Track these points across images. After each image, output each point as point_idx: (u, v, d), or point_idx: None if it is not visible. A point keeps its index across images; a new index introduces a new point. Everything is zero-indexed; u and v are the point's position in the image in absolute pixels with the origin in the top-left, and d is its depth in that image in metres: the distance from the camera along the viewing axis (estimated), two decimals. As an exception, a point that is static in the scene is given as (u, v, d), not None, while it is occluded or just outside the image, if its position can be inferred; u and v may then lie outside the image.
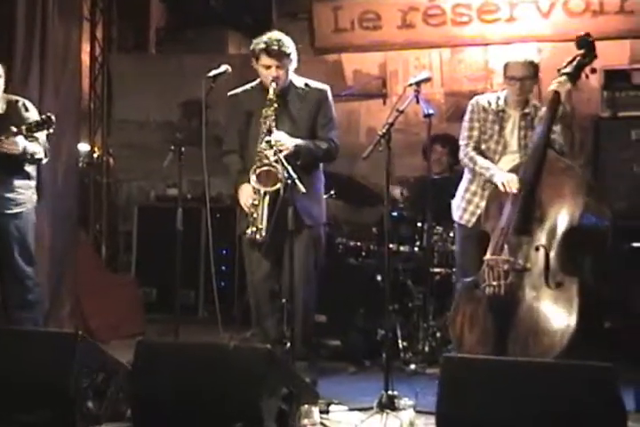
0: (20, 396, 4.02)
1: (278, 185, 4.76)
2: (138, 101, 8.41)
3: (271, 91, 4.93)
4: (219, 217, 5.88)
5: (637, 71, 6.58)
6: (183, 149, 4.92)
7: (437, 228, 6.04)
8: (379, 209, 6.43)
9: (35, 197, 5.47)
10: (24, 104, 5.46)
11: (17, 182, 5.37)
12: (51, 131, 5.21)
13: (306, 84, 5.17)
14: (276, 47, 4.94)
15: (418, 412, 4.21)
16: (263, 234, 4.88)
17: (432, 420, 3.66)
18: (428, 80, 4.94)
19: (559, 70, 4.91)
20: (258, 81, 5.13)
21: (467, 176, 5.27)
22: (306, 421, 3.94)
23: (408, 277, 6.12)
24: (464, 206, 5.23)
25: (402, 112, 4.59)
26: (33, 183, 5.47)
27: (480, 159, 5.08)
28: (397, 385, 4.40)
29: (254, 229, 4.88)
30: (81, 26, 7.49)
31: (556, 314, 4.39)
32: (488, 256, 4.67)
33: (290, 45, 5.02)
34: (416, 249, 6.24)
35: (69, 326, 6.43)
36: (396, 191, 6.59)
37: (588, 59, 4.98)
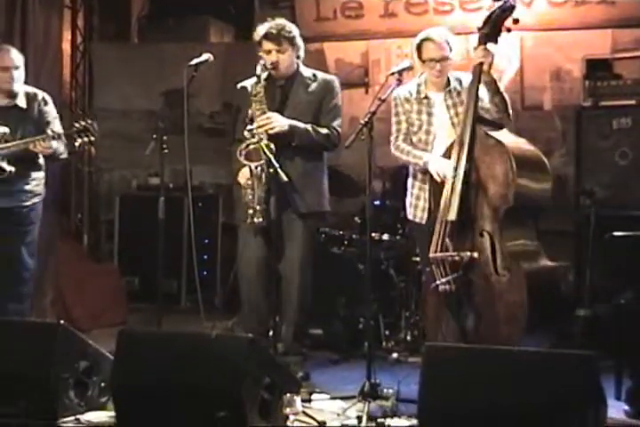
0: (1, 387, 4.01)
1: (263, 160, 4.75)
2: (119, 90, 8.38)
3: (258, 68, 4.93)
4: (201, 206, 5.87)
5: (619, 61, 6.57)
6: (165, 137, 4.90)
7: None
8: (361, 198, 6.43)
9: (44, 188, 5.52)
10: (43, 98, 5.48)
11: (33, 174, 5.42)
12: (92, 139, 5.24)
13: (314, 75, 5.20)
14: (275, 31, 4.98)
15: (400, 400, 4.22)
16: (260, 218, 4.84)
17: (414, 408, 3.67)
18: (410, 69, 4.90)
19: (479, 29, 4.72)
20: (266, 73, 5.08)
21: (410, 171, 5.15)
22: (288, 410, 3.96)
23: (390, 265, 6.13)
24: (414, 203, 5.10)
25: (384, 101, 4.57)
26: (43, 174, 5.51)
27: (410, 149, 4.99)
28: (380, 374, 4.42)
29: (251, 211, 4.85)
30: (62, 14, 7.46)
31: (510, 302, 4.33)
32: (431, 254, 4.57)
33: (292, 31, 5.06)
34: (398, 238, 6.26)
35: (51, 316, 6.43)
36: (378, 185, 6.60)
37: (507, 10, 4.68)
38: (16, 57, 5.35)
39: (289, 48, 5.04)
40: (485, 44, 4.67)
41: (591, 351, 3.43)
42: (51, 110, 5.49)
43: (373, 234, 5.88)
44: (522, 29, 6.35)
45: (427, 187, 4.90)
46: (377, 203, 6.41)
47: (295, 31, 5.09)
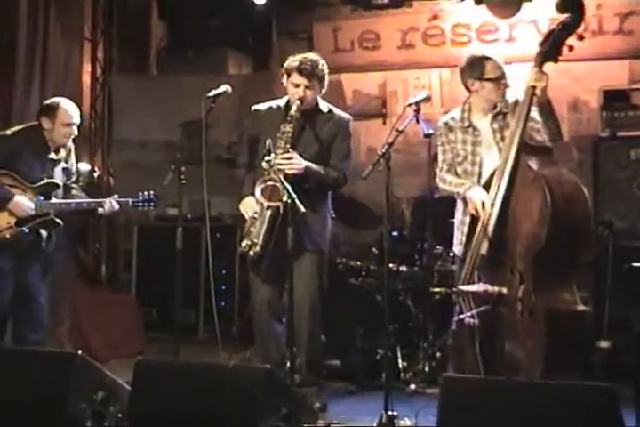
0: (18, 416, 4.00)
1: (281, 202, 4.75)
2: (138, 121, 8.43)
3: (294, 108, 4.95)
4: (219, 236, 5.88)
5: (636, 91, 6.59)
6: (183, 168, 4.93)
7: (437, 247, 6.03)
8: (378, 229, 6.43)
9: None
10: (72, 149, 5.62)
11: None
12: (151, 208, 5.56)
13: (330, 110, 5.20)
14: (309, 67, 4.98)
15: (418, 432, 4.21)
16: (257, 249, 4.87)
17: (432, 440, 3.65)
18: (427, 100, 4.90)
19: (539, 45, 4.44)
20: (285, 100, 5.13)
21: (458, 206, 5.00)
22: (305, 441, 3.94)
23: (408, 296, 6.12)
24: (460, 237, 4.92)
25: (401, 132, 4.56)
26: None
27: (452, 178, 4.86)
28: (397, 405, 4.40)
29: (249, 242, 4.88)
30: (82, 46, 7.55)
31: (529, 346, 4.19)
32: (459, 286, 4.49)
33: (323, 69, 5.05)
34: (416, 269, 6.25)
35: (69, 345, 6.43)
36: (405, 207, 6.62)
37: (572, 24, 4.36)
38: (77, 113, 5.46)
39: (317, 85, 5.05)
40: (542, 64, 4.43)
41: (611, 383, 3.40)
42: (75, 162, 5.65)
43: (391, 265, 5.88)
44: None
45: (467, 220, 4.72)
46: (395, 233, 6.40)
47: (326, 70, 5.08)
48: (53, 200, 5.36)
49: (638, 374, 4.45)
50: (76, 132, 5.46)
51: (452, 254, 5.38)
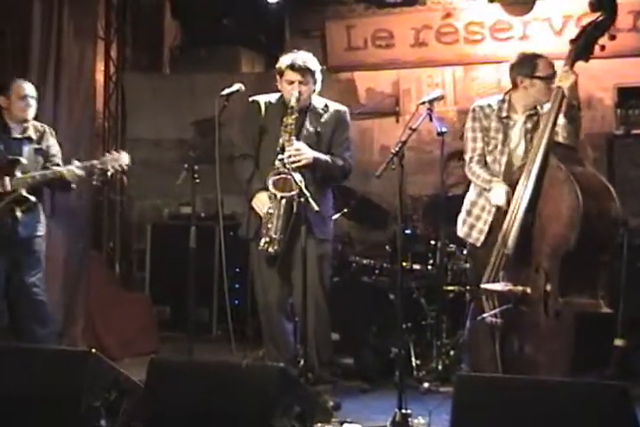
0: (33, 414, 4.02)
1: (294, 191, 4.79)
2: (151, 120, 8.46)
3: (293, 100, 4.99)
4: (232, 235, 5.87)
5: (651, 89, 6.59)
6: (196, 167, 4.94)
7: (451, 246, 6.03)
8: (391, 227, 6.43)
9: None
10: (50, 131, 5.66)
11: (40, 206, 5.54)
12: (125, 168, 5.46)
13: (325, 105, 5.24)
14: (301, 63, 5.04)
15: (431, 431, 4.21)
16: (276, 247, 4.90)
17: (446, 439, 3.66)
18: (440, 98, 4.90)
19: (571, 42, 4.45)
20: (279, 95, 5.17)
21: (474, 188, 4.98)
22: (319, 440, 3.95)
23: (421, 295, 6.12)
24: (471, 222, 4.93)
25: (415, 130, 4.55)
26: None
27: (481, 172, 4.82)
28: (411, 403, 4.40)
29: (267, 240, 4.91)
30: (95, 45, 7.55)
31: (553, 348, 4.20)
32: (483, 285, 4.48)
33: (315, 64, 5.11)
34: (429, 267, 6.25)
35: (83, 344, 6.45)
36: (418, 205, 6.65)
37: (605, 23, 4.37)
38: (31, 88, 5.54)
39: (310, 81, 5.10)
40: (574, 62, 4.43)
41: (625, 382, 3.40)
42: (55, 144, 5.65)
43: (404, 263, 5.88)
44: (553, 58, 6.36)
45: (489, 207, 4.75)
46: (408, 232, 6.40)
47: (317, 66, 5.14)
48: (18, 175, 5.33)
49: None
50: (32, 105, 5.49)
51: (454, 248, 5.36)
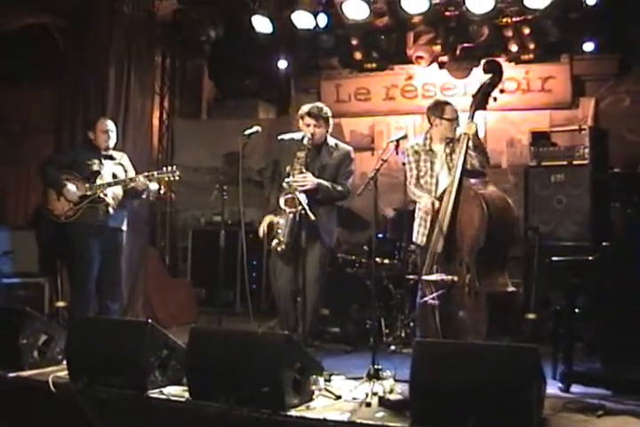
0: (108, 366, 4.03)
1: (299, 208, 4.78)
2: (192, 153, 8.44)
3: (305, 140, 4.97)
4: (251, 237, 5.90)
5: (555, 133, 6.65)
6: (225, 187, 4.97)
7: (411, 246, 6.02)
8: (368, 232, 6.43)
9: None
10: (126, 156, 5.72)
11: (125, 209, 5.60)
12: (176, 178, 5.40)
13: (335, 144, 5.21)
14: (316, 111, 5.01)
15: (396, 380, 4.20)
16: (283, 247, 4.92)
17: (407, 386, 3.65)
18: (404, 138, 4.89)
19: (473, 96, 4.61)
20: (301, 134, 5.09)
21: (417, 206, 5.08)
22: (314, 387, 3.94)
23: (389, 282, 6.11)
24: (417, 229, 5.02)
25: (385, 161, 4.55)
26: None
27: (416, 191, 4.95)
28: (381, 361, 4.39)
29: (277, 241, 4.92)
30: (153, 98, 7.57)
31: (475, 317, 4.26)
32: (423, 276, 4.53)
33: (328, 112, 5.08)
34: (395, 261, 6.25)
35: (142, 316, 6.45)
36: (390, 212, 6.64)
37: (495, 82, 4.58)
38: (111, 124, 5.59)
39: (323, 124, 5.06)
40: (474, 112, 4.57)
41: (535, 345, 3.42)
42: (129, 164, 5.68)
43: (377, 259, 5.89)
44: (485, 110, 6.42)
45: (429, 218, 4.78)
46: (380, 236, 6.41)
47: (330, 113, 5.10)
48: (98, 182, 5.38)
49: (555, 338, 4.45)
50: (112, 137, 5.53)
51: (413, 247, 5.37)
